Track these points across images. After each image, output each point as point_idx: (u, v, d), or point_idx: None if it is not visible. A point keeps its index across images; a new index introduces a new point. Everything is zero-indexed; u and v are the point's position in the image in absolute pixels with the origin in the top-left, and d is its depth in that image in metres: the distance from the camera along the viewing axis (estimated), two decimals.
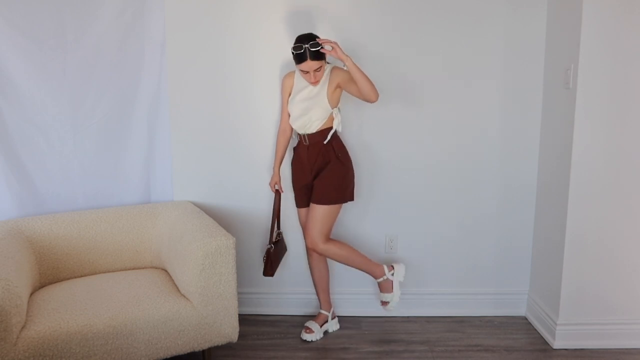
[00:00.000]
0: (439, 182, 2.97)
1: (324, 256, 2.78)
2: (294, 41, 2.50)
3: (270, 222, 2.84)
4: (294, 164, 2.76)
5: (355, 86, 2.50)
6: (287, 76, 2.70)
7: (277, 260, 2.79)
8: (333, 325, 2.89)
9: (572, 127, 2.55)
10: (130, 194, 2.92)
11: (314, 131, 2.63)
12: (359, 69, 2.43)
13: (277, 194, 2.81)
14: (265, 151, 2.92)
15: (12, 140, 2.68)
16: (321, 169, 2.66)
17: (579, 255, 2.64)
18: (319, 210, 2.65)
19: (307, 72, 2.49)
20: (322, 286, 2.86)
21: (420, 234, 3.01)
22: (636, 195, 2.62)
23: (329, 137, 2.62)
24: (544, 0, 2.81)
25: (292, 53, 2.47)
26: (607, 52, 2.48)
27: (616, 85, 2.51)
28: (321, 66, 2.49)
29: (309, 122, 2.61)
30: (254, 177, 2.93)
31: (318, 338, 2.78)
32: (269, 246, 2.74)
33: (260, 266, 2.99)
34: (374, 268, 2.78)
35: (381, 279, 2.79)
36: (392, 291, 2.78)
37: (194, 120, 2.90)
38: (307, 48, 2.43)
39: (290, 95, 2.68)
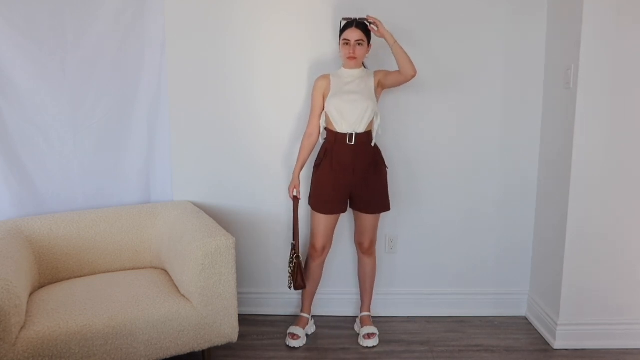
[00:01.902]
0: (439, 181, 2.97)
1: (370, 260, 2.80)
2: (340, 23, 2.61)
3: (292, 232, 2.71)
4: (331, 167, 2.60)
5: (392, 75, 2.57)
6: (322, 78, 2.66)
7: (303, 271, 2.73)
8: (312, 327, 2.87)
9: (572, 127, 2.55)
10: (130, 194, 2.91)
11: (363, 130, 2.58)
12: (401, 46, 2.52)
13: (296, 200, 2.72)
14: (265, 151, 2.91)
15: (12, 140, 2.67)
16: (367, 174, 2.61)
17: (580, 255, 2.64)
18: (376, 217, 2.70)
19: (348, 43, 2.53)
20: (313, 291, 2.82)
21: (420, 234, 3.01)
22: (637, 195, 2.61)
23: (374, 139, 2.62)
24: (544, 0, 2.81)
25: (341, 23, 2.59)
26: (607, 52, 2.48)
27: (616, 85, 2.51)
28: (363, 43, 2.54)
29: (361, 114, 2.54)
30: (254, 177, 2.93)
31: (304, 343, 2.74)
32: (296, 256, 2.65)
33: (262, 268, 3.00)
34: (370, 300, 2.85)
35: (364, 314, 2.84)
36: (369, 324, 2.80)
37: (194, 121, 2.89)
38: (355, 19, 2.55)
39: (328, 95, 2.61)
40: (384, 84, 2.63)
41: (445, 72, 2.87)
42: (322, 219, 2.67)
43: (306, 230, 2.92)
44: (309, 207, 2.73)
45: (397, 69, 2.55)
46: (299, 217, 2.75)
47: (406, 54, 2.51)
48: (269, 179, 2.91)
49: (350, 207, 2.72)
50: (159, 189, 2.95)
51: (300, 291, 2.84)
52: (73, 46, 2.70)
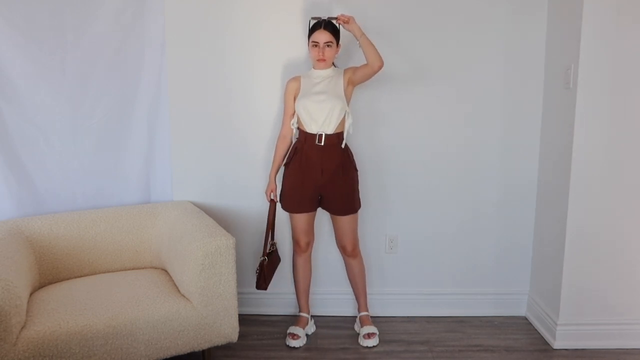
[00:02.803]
0: (439, 182, 2.97)
1: (356, 261, 2.80)
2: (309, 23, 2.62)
3: (265, 233, 2.76)
4: (300, 166, 2.62)
5: (361, 70, 2.56)
6: (293, 80, 2.68)
7: (271, 273, 2.75)
8: (312, 327, 2.88)
9: (572, 127, 2.55)
10: (130, 194, 2.91)
11: (331, 132, 2.58)
12: (368, 38, 2.51)
13: (273, 203, 2.75)
14: (265, 151, 2.91)
15: (12, 140, 2.67)
16: (335, 175, 2.61)
17: (580, 255, 2.64)
18: (351, 219, 2.70)
19: (317, 45, 2.53)
20: (305, 288, 2.84)
21: (420, 234, 3.01)
22: (637, 195, 2.61)
23: (345, 140, 2.62)
24: (544, 0, 2.81)
25: (309, 24, 2.59)
26: (607, 52, 2.48)
27: (616, 85, 2.51)
28: (331, 44, 2.53)
29: (329, 114, 2.55)
30: (254, 177, 2.93)
31: (304, 343, 2.74)
32: (262, 258, 2.70)
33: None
34: (365, 299, 2.85)
35: (363, 314, 2.83)
36: (368, 324, 2.80)
37: (194, 120, 2.89)
38: (324, 20, 2.55)
39: (298, 95, 2.63)
40: (354, 81, 2.62)
41: (445, 72, 2.87)
42: (299, 218, 2.71)
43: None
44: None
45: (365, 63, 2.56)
46: (278, 218, 2.80)
47: (373, 45, 2.50)
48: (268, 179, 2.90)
49: (322, 207, 2.73)
50: (159, 189, 2.95)
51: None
52: (73, 46, 2.70)
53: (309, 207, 2.69)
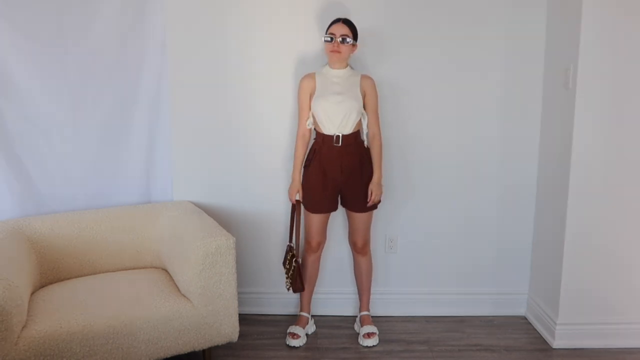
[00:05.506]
0: (439, 182, 2.97)
1: (365, 259, 2.80)
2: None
3: (295, 235, 2.72)
4: (320, 167, 2.62)
5: (367, 113, 2.64)
6: (307, 77, 2.65)
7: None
8: (312, 327, 2.88)
9: (572, 127, 2.55)
10: (130, 194, 2.91)
11: (349, 132, 2.59)
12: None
13: (298, 204, 2.71)
14: (265, 151, 2.92)
15: (12, 141, 2.67)
16: (354, 173, 2.62)
17: (579, 255, 2.65)
18: (367, 216, 2.72)
19: (333, 37, 2.52)
20: (310, 288, 2.84)
21: (420, 234, 3.02)
22: (636, 195, 2.62)
23: (364, 139, 2.65)
24: (543, 0, 2.81)
25: (329, 24, 2.59)
26: (607, 52, 2.49)
27: (616, 85, 2.52)
28: (347, 38, 2.52)
29: (346, 116, 2.55)
30: (254, 177, 2.93)
31: (304, 343, 2.75)
32: (295, 260, 2.67)
33: (262, 268, 3.00)
34: (368, 298, 2.86)
35: (364, 313, 2.83)
36: (369, 324, 2.81)
37: (194, 120, 2.89)
38: (344, 18, 2.59)
39: (314, 95, 2.61)
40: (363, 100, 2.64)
41: (444, 73, 2.87)
42: (315, 218, 2.70)
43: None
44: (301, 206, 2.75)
45: (373, 106, 2.64)
46: (287, 217, 2.79)
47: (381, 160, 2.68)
48: (269, 179, 2.91)
49: (341, 205, 2.74)
50: (159, 189, 2.95)
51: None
52: (73, 46, 2.70)
53: (330, 207, 2.70)
